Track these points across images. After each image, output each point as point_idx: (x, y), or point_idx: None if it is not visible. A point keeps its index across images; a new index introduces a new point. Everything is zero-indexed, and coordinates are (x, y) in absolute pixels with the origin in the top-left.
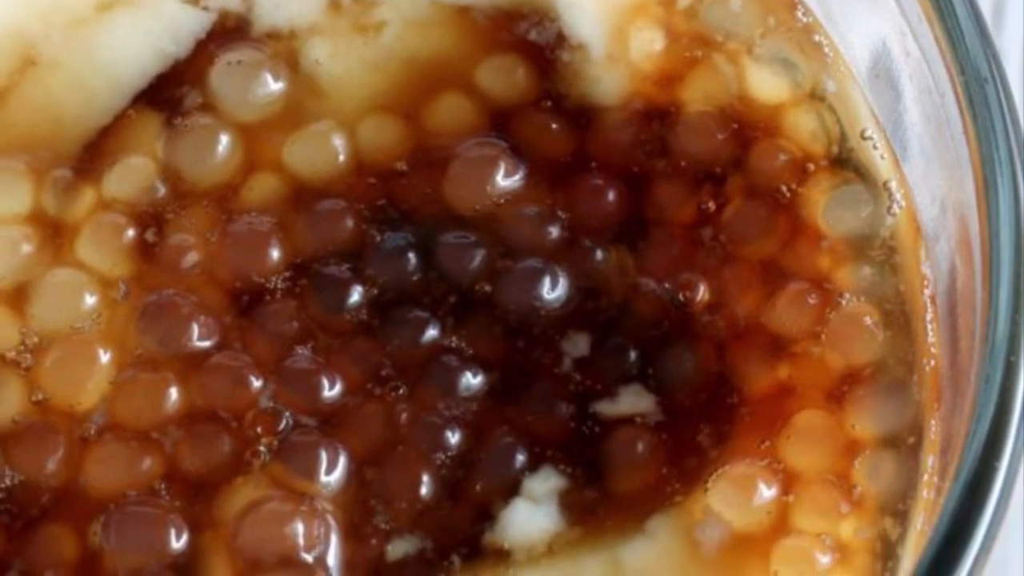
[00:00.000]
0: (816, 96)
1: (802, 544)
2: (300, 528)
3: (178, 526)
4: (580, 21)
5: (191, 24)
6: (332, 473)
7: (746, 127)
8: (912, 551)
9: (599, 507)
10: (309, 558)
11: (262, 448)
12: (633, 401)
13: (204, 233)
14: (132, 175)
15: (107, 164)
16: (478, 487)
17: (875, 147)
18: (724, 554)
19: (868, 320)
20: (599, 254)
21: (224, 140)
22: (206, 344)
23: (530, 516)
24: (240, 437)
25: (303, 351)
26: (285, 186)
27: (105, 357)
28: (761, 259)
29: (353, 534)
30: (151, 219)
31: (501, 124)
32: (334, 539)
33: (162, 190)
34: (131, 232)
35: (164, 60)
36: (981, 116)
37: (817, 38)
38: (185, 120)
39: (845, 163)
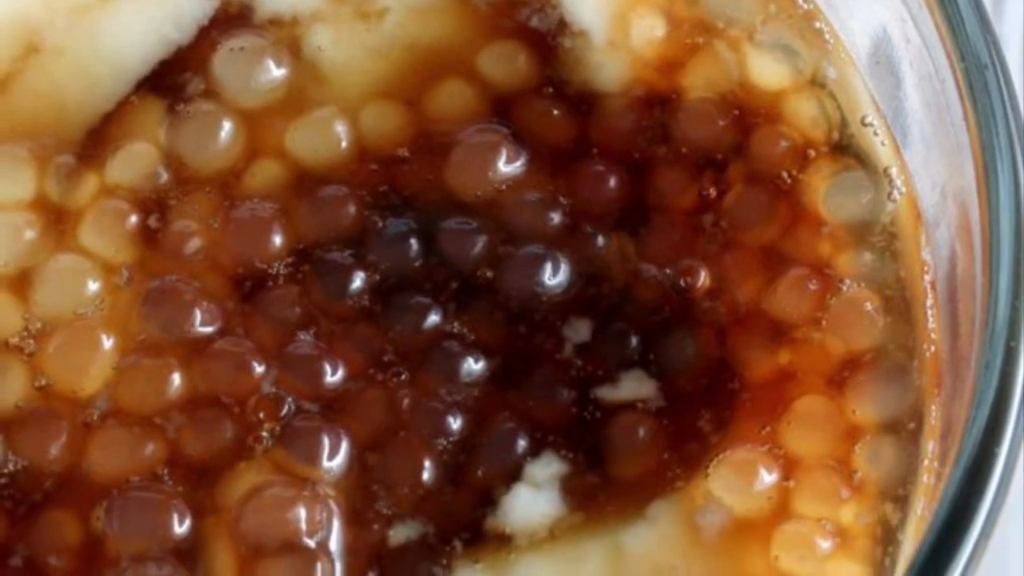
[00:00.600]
0: (817, 83)
1: (802, 529)
2: (302, 513)
3: (181, 511)
4: (581, 8)
5: (193, 11)
6: (334, 458)
7: (747, 114)
8: (912, 536)
9: (600, 492)
10: (311, 543)
11: (264, 433)
12: (634, 387)
13: (206, 219)
14: (135, 161)
15: (110, 150)
16: (480, 472)
17: (876, 134)
18: (725, 539)
19: (868, 306)
20: (600, 240)
21: (226, 126)
22: (208, 330)
23: (531, 501)
24: (242, 422)
25: (305, 337)
26: (287, 172)
27: (108, 343)
28: (762, 245)
29: (355, 519)
30: (154, 205)
31: (503, 110)
32: (336, 524)
33: (165, 176)
34: (134, 218)
35: (167, 46)
36: (981, 103)
37: (818, 25)
38: (188, 106)
39: (846, 149)
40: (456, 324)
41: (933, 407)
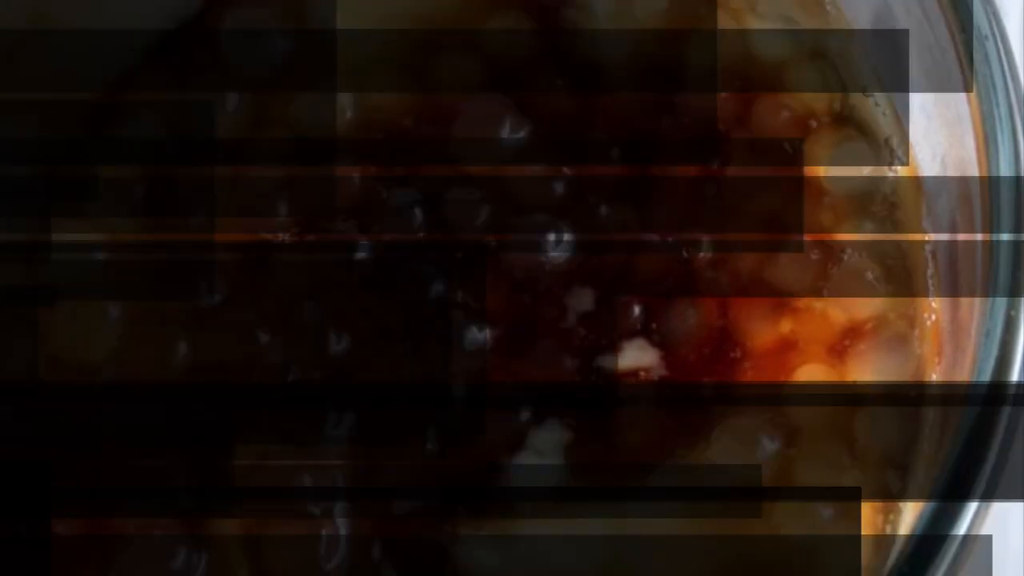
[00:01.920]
0: (818, 53)
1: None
2: (307, 481)
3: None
4: None
5: None
6: (339, 427)
7: (749, 84)
8: (913, 504)
9: (603, 460)
10: (316, 511)
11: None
12: (637, 355)
13: (213, 189)
14: (142, 132)
15: (116, 121)
16: (483, 440)
17: (876, 104)
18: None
19: (869, 275)
20: (603, 210)
21: (232, 96)
22: (214, 299)
23: (535, 469)
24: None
25: (311, 306)
26: (292, 142)
27: (114, 312)
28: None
29: (360, 487)
30: (161, 175)
31: (507, 81)
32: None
33: (171, 146)
34: (141, 188)
35: (173, 17)
36: (982, 73)
37: None
38: (194, 77)
39: (847, 120)
40: (460, 294)
41: (934, 375)
